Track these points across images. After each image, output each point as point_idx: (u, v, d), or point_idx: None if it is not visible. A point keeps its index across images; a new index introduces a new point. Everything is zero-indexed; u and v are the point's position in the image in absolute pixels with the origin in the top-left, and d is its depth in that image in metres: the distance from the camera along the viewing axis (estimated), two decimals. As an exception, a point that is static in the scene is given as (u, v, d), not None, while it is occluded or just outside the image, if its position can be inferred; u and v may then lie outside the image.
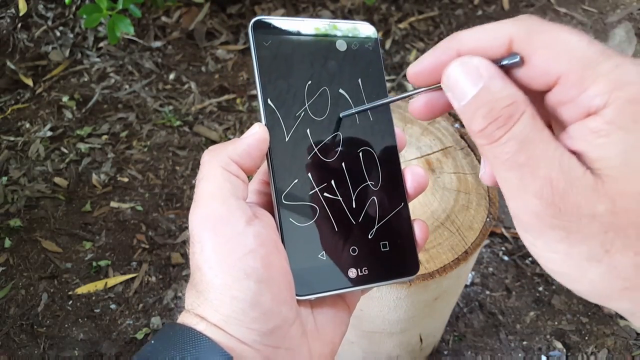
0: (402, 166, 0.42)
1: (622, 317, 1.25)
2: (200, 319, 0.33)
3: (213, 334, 0.33)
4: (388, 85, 1.81)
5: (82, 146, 1.64)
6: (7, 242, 1.42)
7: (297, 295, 0.37)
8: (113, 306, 1.31)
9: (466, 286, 1.32)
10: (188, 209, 1.05)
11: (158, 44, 1.93)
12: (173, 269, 1.38)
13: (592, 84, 0.25)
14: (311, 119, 0.39)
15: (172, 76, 1.85)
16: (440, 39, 1.97)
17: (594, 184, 0.25)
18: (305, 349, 0.36)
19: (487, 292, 1.31)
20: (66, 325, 1.28)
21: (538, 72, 0.27)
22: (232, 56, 1.91)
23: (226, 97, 1.79)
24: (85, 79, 1.84)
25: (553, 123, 0.30)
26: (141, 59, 1.89)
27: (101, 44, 1.93)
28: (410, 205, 0.42)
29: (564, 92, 0.27)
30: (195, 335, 0.32)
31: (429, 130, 0.84)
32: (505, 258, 1.38)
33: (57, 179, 1.56)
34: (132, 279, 1.36)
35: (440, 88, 0.31)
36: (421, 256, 0.69)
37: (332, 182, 0.39)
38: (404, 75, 1.83)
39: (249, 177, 0.38)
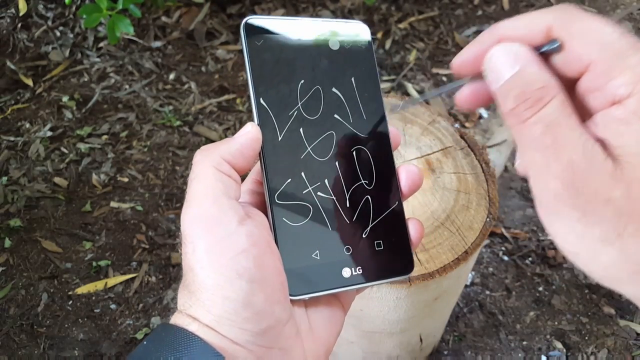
0: (397, 165, 0.41)
1: (622, 317, 1.24)
2: (193, 319, 0.33)
3: (205, 334, 0.33)
4: (388, 85, 1.80)
5: (82, 146, 1.64)
6: (7, 242, 1.42)
7: (290, 295, 0.36)
8: (113, 306, 1.31)
9: (466, 286, 1.31)
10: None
11: (158, 44, 1.93)
12: (173, 269, 1.38)
13: (619, 74, 0.27)
14: (304, 118, 0.39)
15: (172, 76, 1.85)
16: (440, 39, 1.99)
17: (612, 170, 0.27)
18: (299, 349, 0.36)
19: (487, 292, 1.31)
20: (66, 325, 1.28)
21: (572, 59, 0.29)
22: (232, 56, 1.91)
23: (226, 97, 1.79)
24: (85, 79, 1.84)
25: (582, 111, 0.31)
26: (141, 59, 1.89)
27: (101, 44, 1.94)
28: (410, 205, 0.42)
29: (592, 80, 0.28)
30: (187, 336, 0.32)
31: (429, 130, 0.83)
32: (505, 258, 1.37)
33: (57, 179, 1.56)
34: (132, 279, 1.36)
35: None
36: (421, 256, 0.68)
37: (326, 181, 0.39)
38: (404, 75, 1.83)
39: (243, 177, 0.38)
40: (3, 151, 1.63)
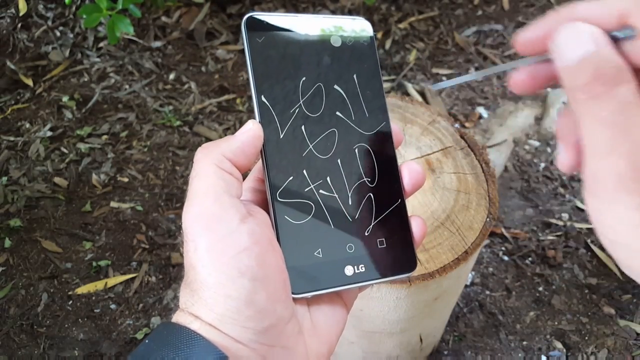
0: (399, 163, 0.41)
1: (622, 317, 1.24)
2: (195, 317, 0.33)
3: (207, 333, 0.32)
4: (388, 85, 1.80)
5: (82, 146, 1.64)
6: (7, 242, 1.42)
7: (293, 293, 0.36)
8: (113, 306, 1.31)
9: (466, 286, 1.31)
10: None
11: (158, 44, 1.93)
12: (173, 269, 1.38)
13: None
14: (306, 115, 0.39)
15: (172, 76, 1.85)
16: (440, 39, 1.99)
17: None
18: (302, 347, 0.36)
19: (487, 292, 1.31)
20: (66, 325, 1.28)
21: None
22: (232, 56, 1.91)
23: (226, 97, 1.78)
24: (85, 79, 1.84)
25: None
26: (141, 59, 1.89)
27: (101, 44, 1.93)
28: (410, 205, 0.42)
29: None
30: (189, 335, 0.32)
31: (429, 130, 0.83)
32: (505, 258, 1.37)
33: (57, 179, 1.56)
34: (132, 279, 1.36)
35: (546, 60, 0.31)
36: (421, 256, 0.68)
37: (328, 178, 0.39)
38: (404, 75, 1.83)
39: (245, 175, 0.38)
40: (3, 151, 1.63)
